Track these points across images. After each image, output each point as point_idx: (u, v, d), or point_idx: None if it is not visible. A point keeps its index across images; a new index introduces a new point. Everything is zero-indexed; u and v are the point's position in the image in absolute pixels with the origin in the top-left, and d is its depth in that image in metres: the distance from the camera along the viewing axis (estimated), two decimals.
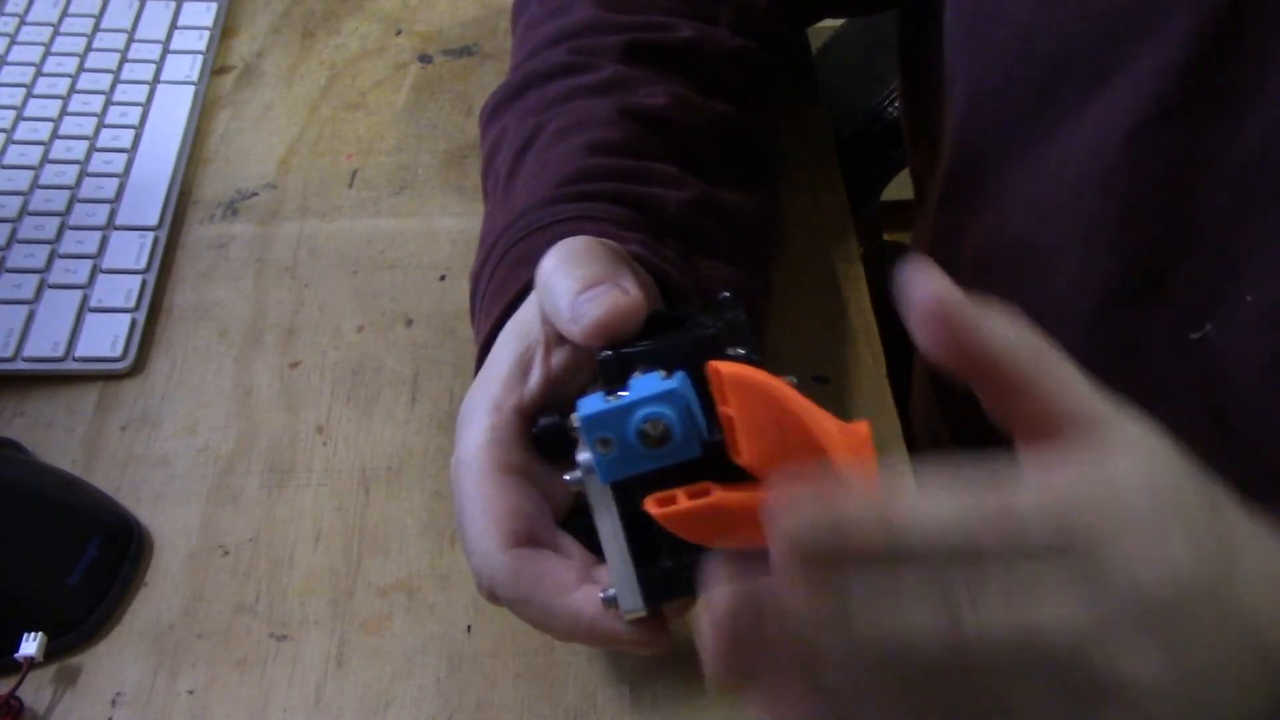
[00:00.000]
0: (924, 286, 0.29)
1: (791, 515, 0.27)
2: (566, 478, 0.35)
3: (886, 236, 0.92)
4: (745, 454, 0.31)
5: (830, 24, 0.87)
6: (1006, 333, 0.30)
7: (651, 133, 0.49)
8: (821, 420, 0.31)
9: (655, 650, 0.37)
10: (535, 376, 0.39)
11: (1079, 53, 0.42)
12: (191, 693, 0.45)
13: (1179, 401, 0.42)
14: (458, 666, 0.46)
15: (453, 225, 0.62)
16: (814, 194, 0.63)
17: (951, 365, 0.30)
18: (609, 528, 0.35)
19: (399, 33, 0.73)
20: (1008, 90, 0.45)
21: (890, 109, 0.80)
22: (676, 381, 0.32)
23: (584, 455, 0.34)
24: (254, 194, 0.63)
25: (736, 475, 0.32)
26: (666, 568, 0.35)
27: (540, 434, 0.38)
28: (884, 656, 0.27)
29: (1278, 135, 0.37)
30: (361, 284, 0.59)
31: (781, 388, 0.31)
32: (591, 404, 0.33)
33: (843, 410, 0.53)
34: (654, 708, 0.45)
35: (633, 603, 0.35)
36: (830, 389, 0.54)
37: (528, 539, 0.37)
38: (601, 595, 0.36)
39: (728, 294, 0.38)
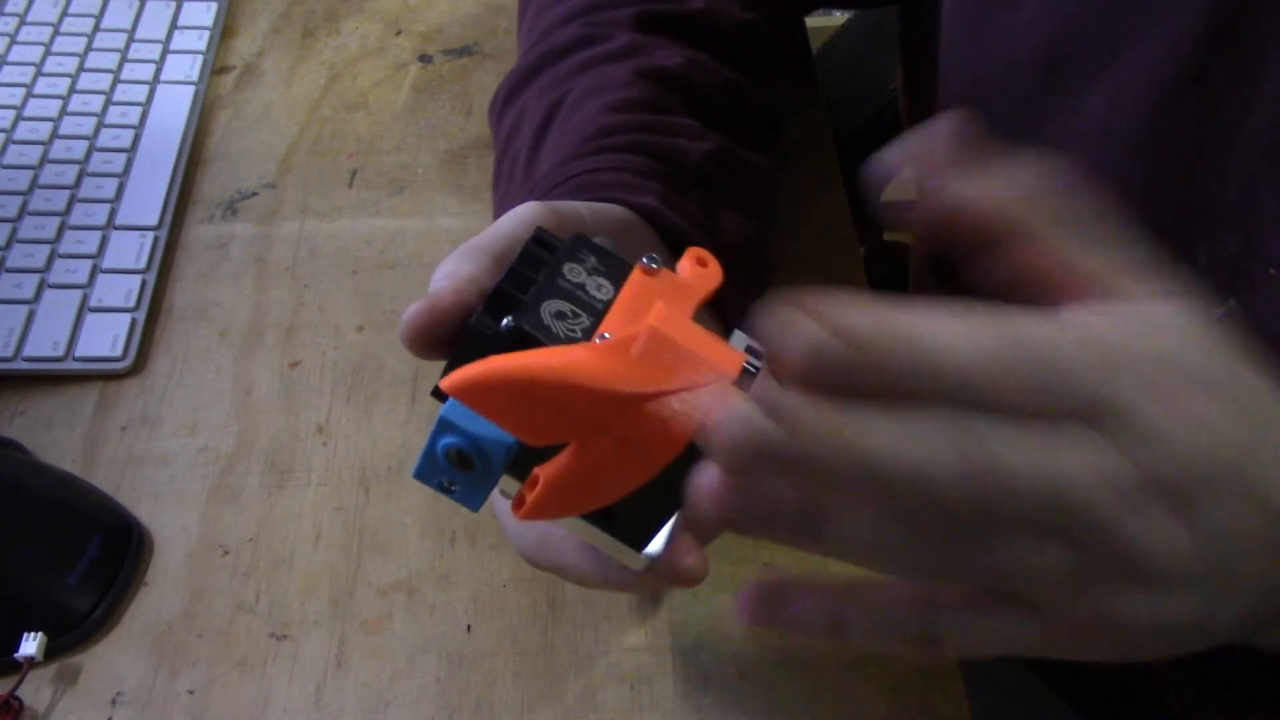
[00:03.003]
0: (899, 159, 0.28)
1: (804, 332, 0.25)
2: (497, 499, 0.35)
3: (887, 236, 0.92)
4: (530, 438, 0.30)
5: (831, 24, 0.87)
6: (1016, 185, 0.29)
7: (669, 90, 0.50)
8: (553, 360, 0.28)
9: (696, 579, 0.36)
10: None
11: (1086, 30, 0.42)
12: (191, 693, 0.45)
13: None
14: (458, 666, 0.46)
15: (453, 225, 0.62)
16: (814, 194, 0.63)
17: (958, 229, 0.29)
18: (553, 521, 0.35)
19: (399, 33, 0.73)
20: (1014, 72, 0.45)
21: (891, 109, 0.80)
22: (445, 405, 0.31)
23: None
24: (254, 194, 0.63)
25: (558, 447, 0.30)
26: (621, 516, 0.34)
27: None
28: (893, 488, 0.25)
29: None
30: (361, 284, 0.59)
31: (492, 369, 0.28)
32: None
33: None
34: (654, 708, 0.45)
35: (632, 560, 0.35)
36: None
37: None
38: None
39: (538, 232, 0.35)
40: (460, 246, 0.37)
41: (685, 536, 0.36)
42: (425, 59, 0.71)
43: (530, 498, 0.31)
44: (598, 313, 0.32)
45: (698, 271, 0.33)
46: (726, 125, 0.51)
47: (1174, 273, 0.30)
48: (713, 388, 0.29)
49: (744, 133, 0.52)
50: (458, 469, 0.31)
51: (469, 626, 0.47)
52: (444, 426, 0.31)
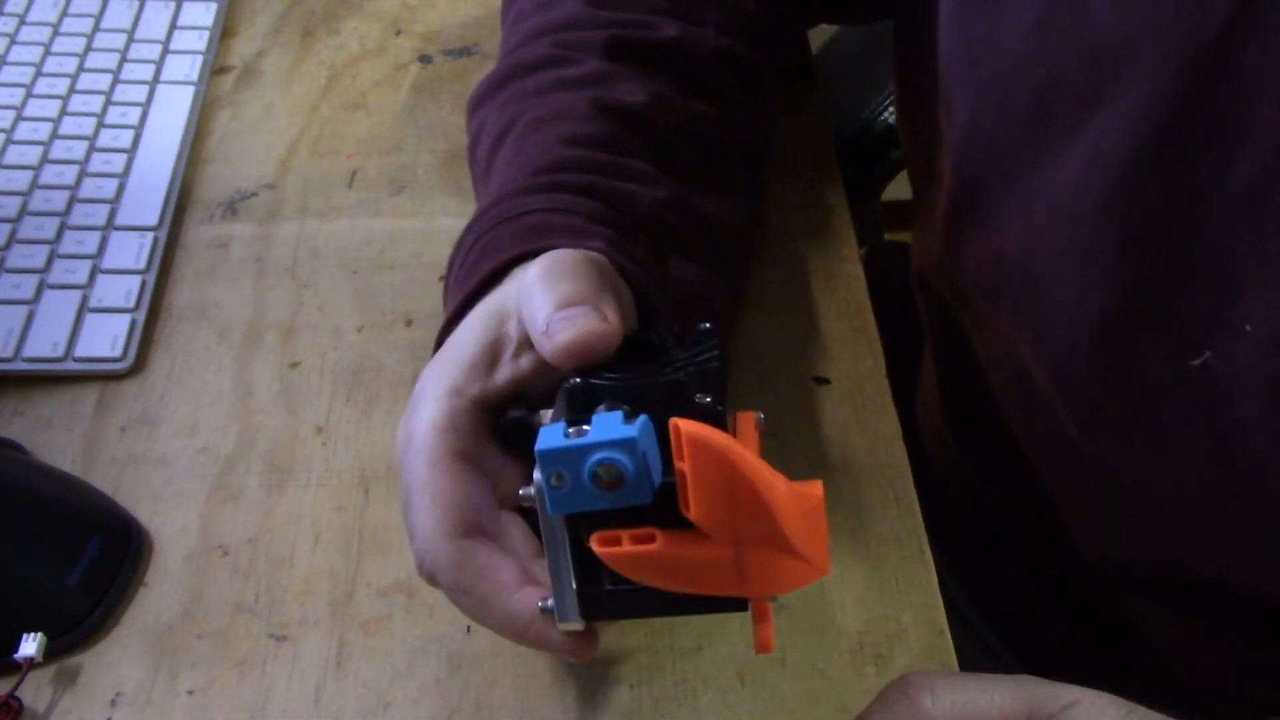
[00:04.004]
0: None
1: None
2: (520, 492, 0.36)
3: (886, 236, 0.92)
4: (694, 511, 0.31)
5: (831, 25, 0.87)
6: None
7: (628, 129, 0.50)
8: (773, 483, 0.31)
9: (583, 660, 0.38)
10: (503, 372, 0.39)
11: (1067, 82, 0.42)
12: (191, 693, 0.45)
13: (1180, 427, 0.43)
14: (457, 667, 0.46)
15: (453, 225, 0.62)
16: (814, 194, 0.63)
17: None
18: (555, 545, 0.35)
19: (399, 33, 0.73)
20: (1001, 119, 0.45)
21: (890, 110, 0.80)
22: (637, 429, 0.32)
23: (538, 476, 0.34)
24: (254, 194, 0.63)
25: (685, 522, 0.32)
26: (607, 590, 0.35)
27: (508, 426, 0.39)
28: None
29: (1272, 166, 0.37)
30: (361, 284, 0.59)
31: (736, 451, 0.31)
32: (551, 436, 0.32)
33: (844, 410, 0.53)
34: (654, 708, 0.45)
35: (571, 618, 0.36)
36: (830, 389, 0.54)
37: (475, 529, 0.37)
38: (540, 604, 0.36)
39: (707, 325, 0.38)
40: (562, 263, 0.38)
41: (603, 626, 0.38)
42: (425, 59, 0.71)
43: (632, 548, 0.32)
44: (732, 427, 0.36)
45: (756, 437, 0.37)
46: (689, 165, 0.51)
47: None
48: (812, 575, 0.32)
49: (710, 170, 0.52)
50: (592, 480, 0.32)
51: (469, 627, 0.47)
52: (628, 446, 0.32)
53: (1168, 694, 0.53)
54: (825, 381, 0.55)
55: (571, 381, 0.35)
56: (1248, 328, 0.39)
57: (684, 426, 0.31)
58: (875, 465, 0.52)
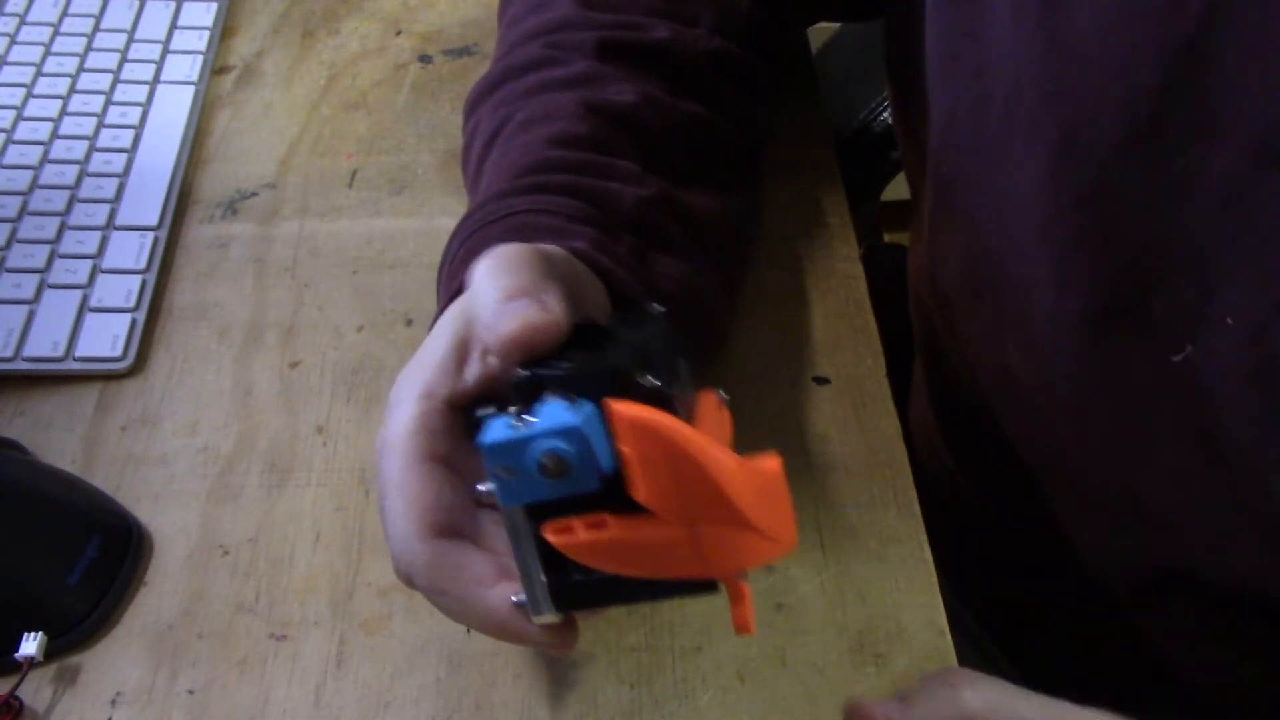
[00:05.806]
0: None
1: None
2: (480, 487, 0.36)
3: (886, 236, 0.92)
4: (641, 492, 0.31)
5: (830, 25, 0.87)
6: None
7: (616, 129, 0.50)
8: (719, 458, 0.31)
9: (564, 651, 0.38)
10: (473, 371, 0.38)
11: (1037, 75, 0.42)
12: (191, 693, 0.45)
13: (1166, 424, 0.42)
14: (457, 666, 0.46)
15: (452, 225, 0.62)
16: (814, 194, 0.63)
17: None
18: (518, 538, 0.35)
19: (399, 33, 0.73)
20: (975, 113, 0.45)
21: (889, 110, 0.80)
22: (579, 416, 0.32)
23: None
24: (254, 194, 0.63)
25: (638, 506, 0.32)
26: (577, 580, 0.35)
27: (476, 426, 0.39)
28: None
29: (1249, 161, 0.37)
30: (361, 284, 0.59)
31: (675, 428, 0.31)
32: (496, 430, 0.32)
33: (844, 410, 0.53)
34: (654, 708, 0.45)
35: (543, 610, 0.36)
36: (830, 389, 0.54)
37: (449, 529, 0.37)
38: (513, 598, 0.36)
39: (658, 307, 0.38)
40: (506, 257, 0.38)
41: (580, 616, 0.38)
42: (425, 59, 0.71)
43: (584, 536, 0.32)
44: (690, 408, 0.35)
45: (721, 417, 0.36)
46: (678, 165, 0.51)
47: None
48: (775, 551, 0.32)
49: (700, 171, 0.52)
50: (543, 471, 0.32)
51: (469, 627, 0.47)
52: (569, 434, 0.32)
53: (1167, 698, 0.53)
54: (825, 381, 0.55)
55: (518, 373, 0.35)
56: (1229, 320, 0.39)
57: (619, 408, 0.31)
58: (875, 465, 0.52)
